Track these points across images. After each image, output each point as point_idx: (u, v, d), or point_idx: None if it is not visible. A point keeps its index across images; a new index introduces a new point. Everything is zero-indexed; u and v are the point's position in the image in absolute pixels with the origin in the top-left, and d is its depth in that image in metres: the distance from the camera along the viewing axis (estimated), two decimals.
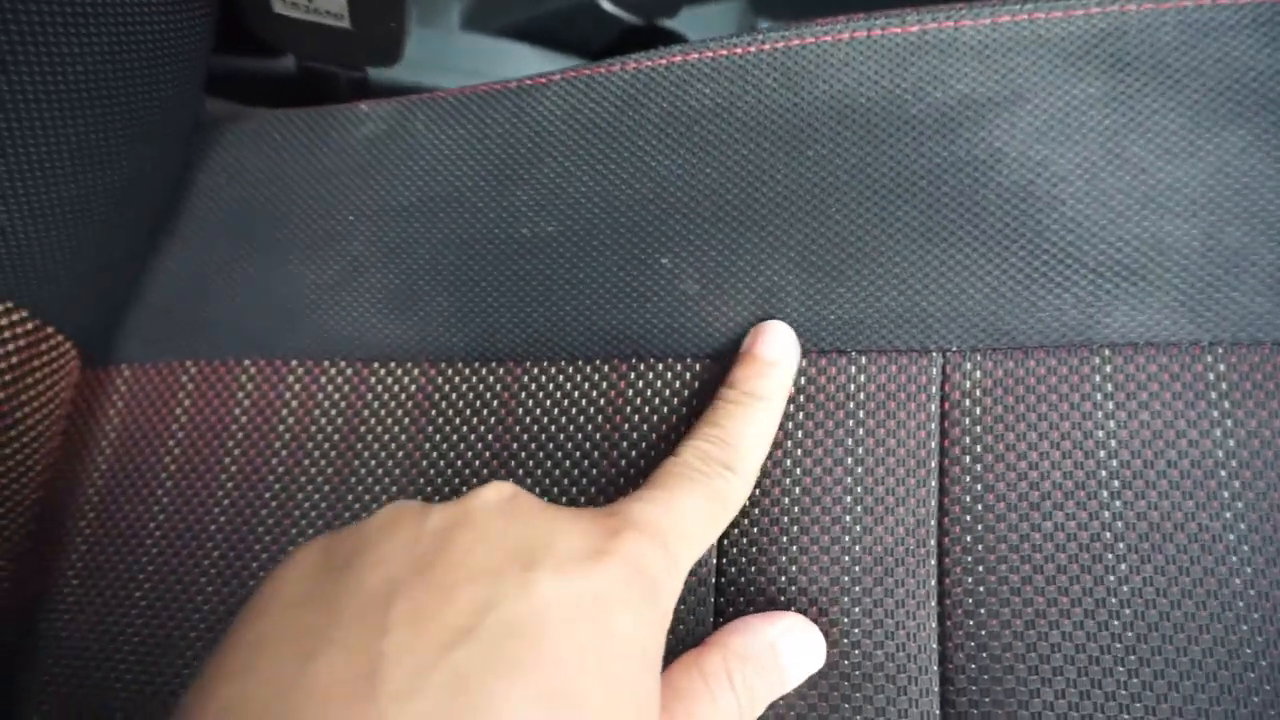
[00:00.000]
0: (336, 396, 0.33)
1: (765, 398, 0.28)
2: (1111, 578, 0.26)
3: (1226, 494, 0.26)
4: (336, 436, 0.33)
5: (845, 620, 0.27)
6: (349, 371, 0.33)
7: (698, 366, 0.31)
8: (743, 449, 0.27)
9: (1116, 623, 0.26)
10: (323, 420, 0.33)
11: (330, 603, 0.19)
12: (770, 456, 0.29)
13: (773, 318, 0.30)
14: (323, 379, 0.33)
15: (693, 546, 0.24)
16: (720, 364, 0.30)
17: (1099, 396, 0.28)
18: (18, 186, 0.28)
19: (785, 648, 0.26)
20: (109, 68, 0.29)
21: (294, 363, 0.34)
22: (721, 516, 0.26)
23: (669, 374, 0.31)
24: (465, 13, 0.48)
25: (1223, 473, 0.27)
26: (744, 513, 0.29)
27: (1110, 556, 0.26)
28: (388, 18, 0.32)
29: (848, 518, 0.28)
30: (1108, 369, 0.28)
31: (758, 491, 0.29)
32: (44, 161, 0.29)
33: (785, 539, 0.28)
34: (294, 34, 0.34)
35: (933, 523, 0.28)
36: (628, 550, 0.21)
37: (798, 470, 0.29)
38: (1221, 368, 0.28)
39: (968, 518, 0.28)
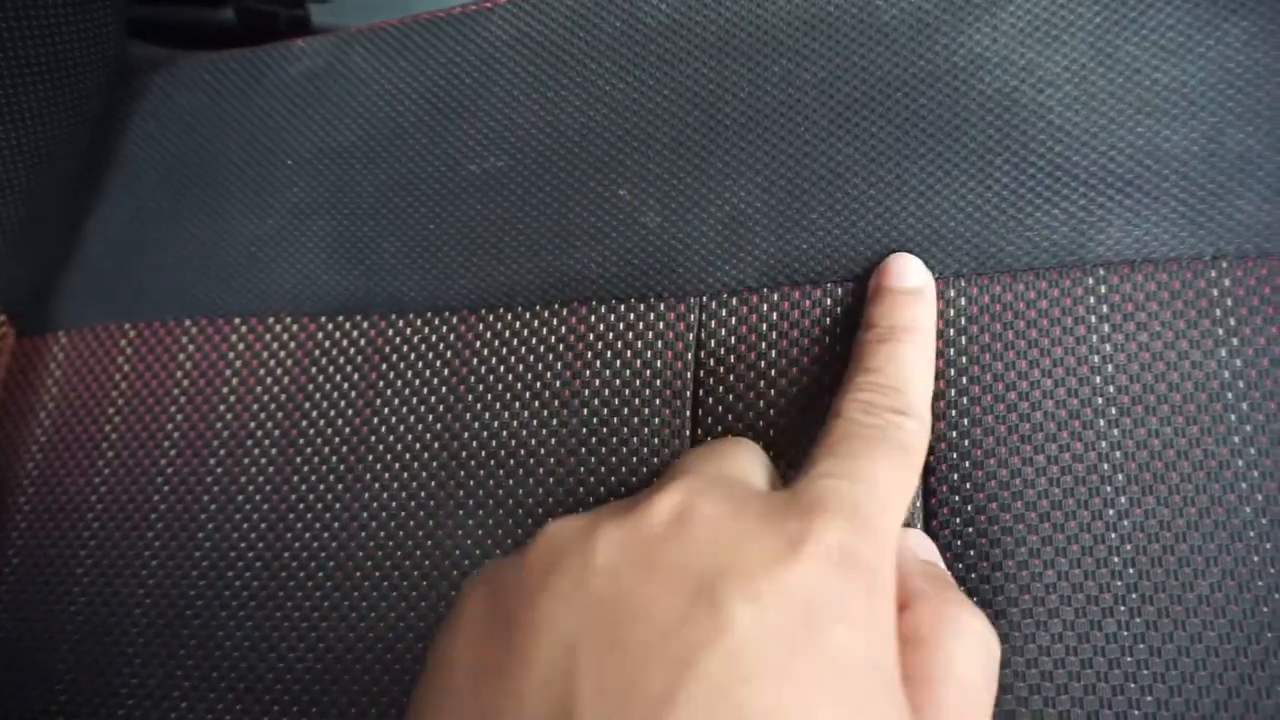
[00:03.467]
0: (282, 354, 0.31)
1: (916, 329, 0.25)
2: (1110, 511, 0.24)
3: (1234, 417, 0.24)
4: (284, 396, 0.31)
5: None
6: (295, 328, 0.31)
7: (661, 306, 0.28)
8: (909, 389, 0.24)
9: (1116, 559, 0.24)
10: (269, 380, 0.31)
11: (506, 678, 0.17)
12: (742, 398, 0.27)
13: (739, 248, 0.28)
14: (267, 336, 0.31)
15: (894, 515, 0.21)
16: (685, 304, 0.28)
17: (1093, 319, 0.26)
18: None
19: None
20: (9, 22, 0.26)
21: (237, 321, 0.32)
22: (912, 471, 0.22)
23: (631, 315, 0.29)
24: None
25: (1229, 395, 0.25)
26: None
27: (1108, 489, 0.24)
28: None
29: None
30: (1102, 289, 0.26)
31: (729, 435, 0.27)
32: None
33: None
34: None
35: None
36: (825, 542, 0.18)
37: (771, 412, 0.27)
38: (1226, 282, 0.25)
39: (954, 454, 0.26)
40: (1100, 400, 0.25)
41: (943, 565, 0.24)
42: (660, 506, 0.19)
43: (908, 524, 0.25)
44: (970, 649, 0.20)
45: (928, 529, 0.25)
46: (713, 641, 0.16)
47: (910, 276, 0.26)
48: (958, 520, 0.25)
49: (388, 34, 0.31)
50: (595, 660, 0.16)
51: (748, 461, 0.23)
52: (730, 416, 0.27)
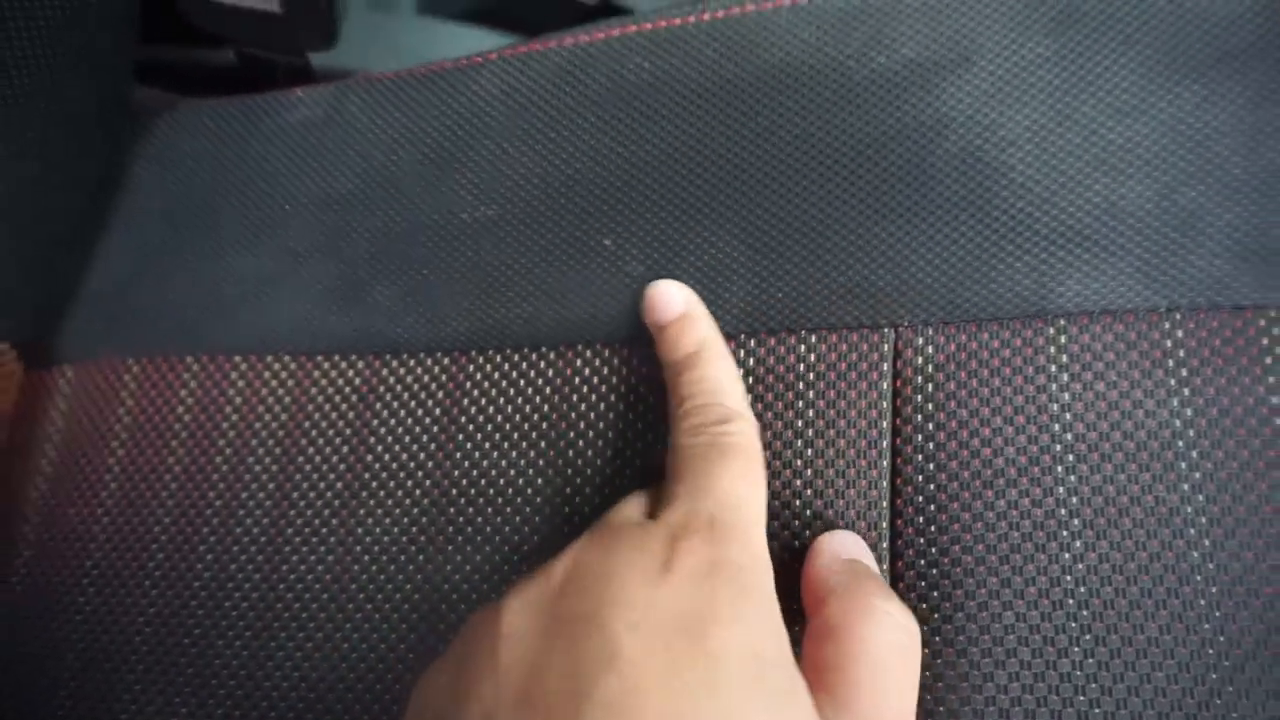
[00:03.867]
0: (281, 392, 0.32)
1: (705, 344, 0.27)
2: (1066, 555, 0.25)
3: (1184, 464, 0.26)
4: (281, 433, 0.32)
5: (795, 606, 0.27)
6: (292, 366, 0.32)
7: (645, 352, 0.30)
8: (723, 398, 0.26)
9: (1071, 601, 0.25)
10: (267, 417, 0.32)
11: None
12: None
13: (718, 296, 0.29)
14: (266, 374, 0.33)
15: (750, 512, 0.23)
16: None
17: (1053, 369, 0.27)
18: None
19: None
20: (22, 59, 0.28)
21: (236, 358, 0.33)
22: (754, 468, 0.24)
23: (616, 360, 0.30)
24: None
25: (1180, 443, 0.26)
26: None
27: (1064, 534, 0.26)
28: (317, 1, 0.31)
29: (797, 502, 0.27)
30: (1062, 339, 0.27)
31: None
32: None
33: None
34: (226, 20, 0.33)
35: (885, 504, 0.27)
36: (688, 558, 0.20)
37: None
38: (1179, 334, 0.27)
39: (920, 498, 0.27)
40: (1058, 447, 0.26)
41: (870, 560, 0.26)
42: (556, 569, 0.21)
43: (877, 556, 0.27)
44: (883, 632, 0.21)
45: (893, 569, 0.27)
46: (605, 668, 0.18)
47: (671, 306, 0.28)
48: (922, 562, 0.26)
49: (383, 85, 0.32)
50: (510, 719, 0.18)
51: (624, 504, 0.25)
52: None
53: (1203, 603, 0.24)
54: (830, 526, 0.27)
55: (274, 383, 0.33)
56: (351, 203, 0.32)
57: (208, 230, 0.33)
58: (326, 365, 0.32)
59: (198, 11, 0.32)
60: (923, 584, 0.26)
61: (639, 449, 0.29)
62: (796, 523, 0.27)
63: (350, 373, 0.32)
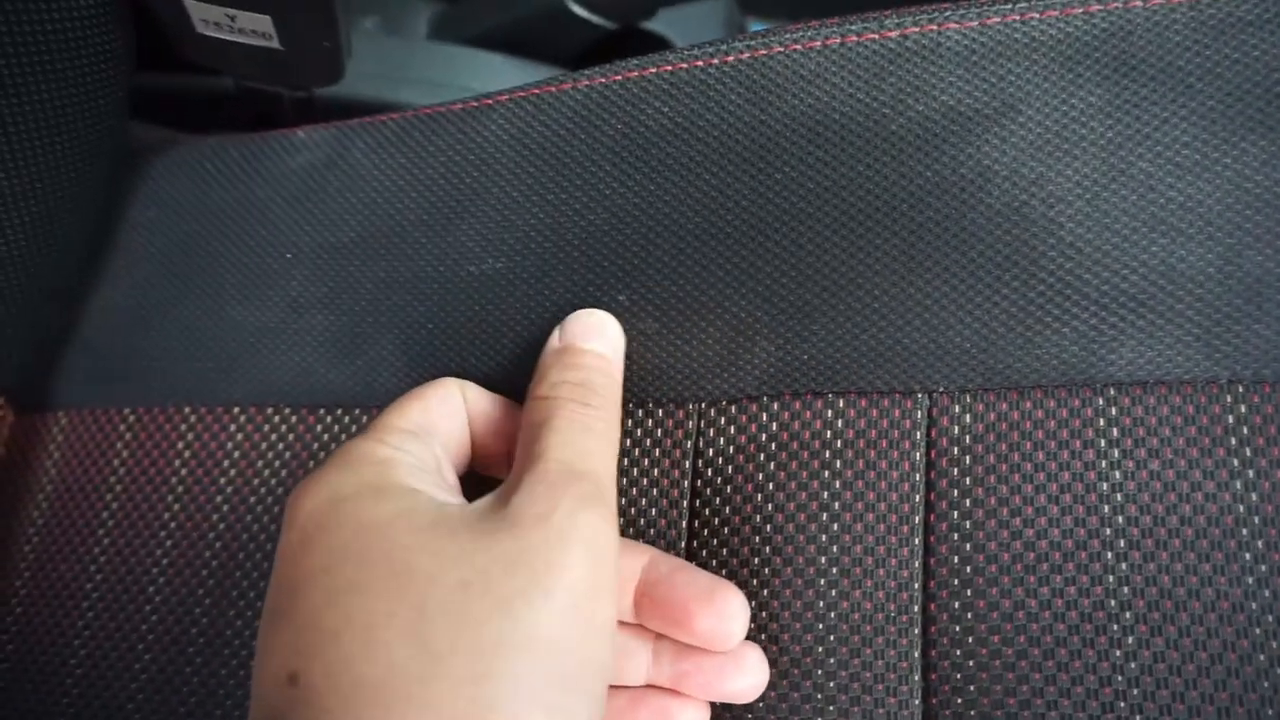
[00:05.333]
0: (280, 446, 0.31)
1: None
2: (1117, 653, 0.23)
3: (1249, 556, 0.23)
4: (280, 489, 0.31)
5: (819, 696, 0.25)
6: (293, 419, 0.31)
7: (660, 413, 0.28)
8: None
9: (1123, 704, 0.23)
10: (266, 472, 0.31)
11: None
12: (738, 511, 0.27)
13: (739, 357, 0.27)
14: (265, 427, 0.31)
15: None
16: (684, 410, 0.28)
17: (1103, 443, 0.25)
18: None
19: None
20: (10, 102, 0.26)
21: (236, 410, 0.31)
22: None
23: (629, 421, 0.28)
24: (433, 21, 0.46)
25: (1244, 531, 0.24)
26: (711, 571, 0.26)
27: (1115, 628, 0.23)
28: (320, 38, 0.30)
29: (822, 581, 0.25)
30: (1113, 411, 0.25)
31: (726, 551, 0.26)
32: None
33: (754, 602, 0.26)
34: (223, 56, 0.31)
35: (917, 586, 0.25)
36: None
37: (768, 527, 0.26)
38: (1242, 409, 0.25)
39: (955, 581, 0.25)
40: (1109, 531, 0.24)
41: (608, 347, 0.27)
42: None
43: (908, 643, 0.25)
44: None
45: (925, 657, 0.25)
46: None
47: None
48: (958, 652, 0.24)
49: (388, 128, 0.31)
50: None
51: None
52: (726, 529, 0.27)
53: (1270, 712, 0.22)
54: (857, 609, 0.25)
55: (273, 435, 0.31)
56: (354, 251, 0.31)
57: (207, 278, 0.32)
58: (328, 419, 0.31)
59: (192, 47, 0.31)
60: (958, 676, 0.24)
61: (651, 517, 0.27)
62: (821, 604, 0.25)
63: (353, 427, 0.30)
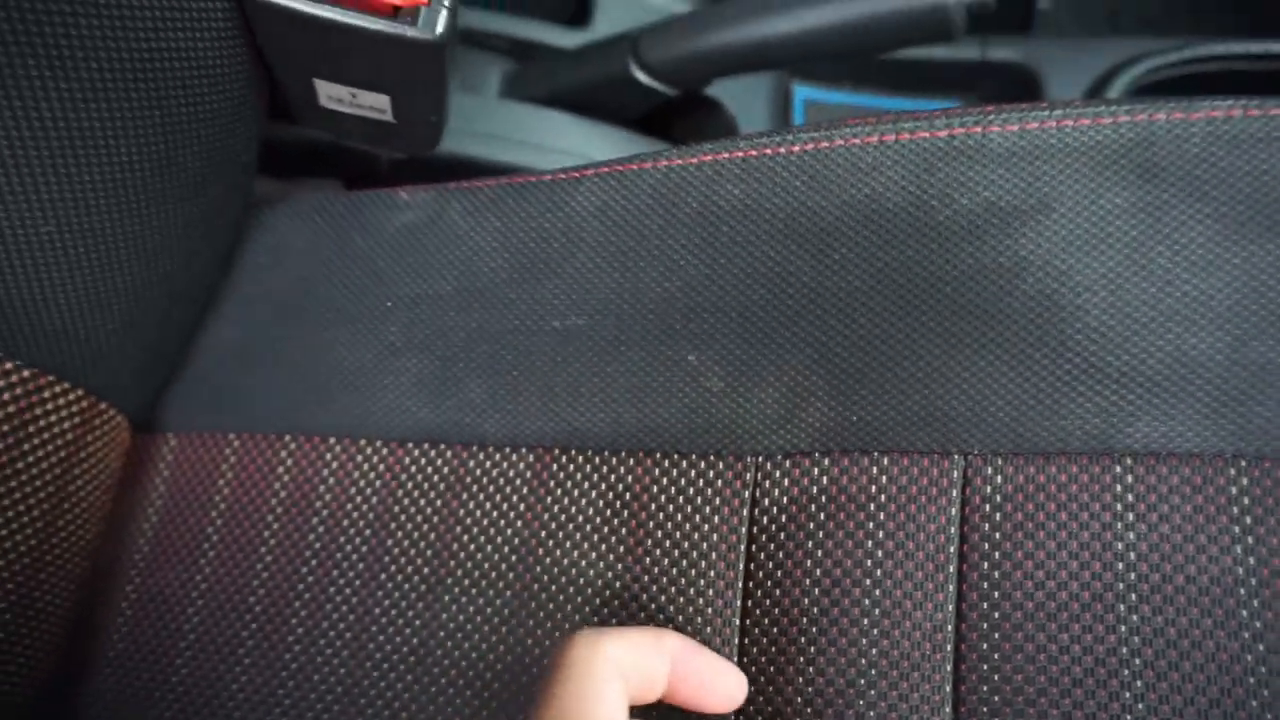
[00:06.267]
0: (372, 475, 0.34)
1: None
2: (1126, 694, 0.26)
3: (1245, 613, 0.27)
4: (371, 515, 0.34)
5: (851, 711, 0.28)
6: (384, 451, 0.34)
7: (720, 464, 0.31)
8: None
9: None
10: (358, 499, 0.34)
11: None
12: (790, 555, 0.30)
13: (795, 416, 0.31)
14: (359, 458, 0.34)
15: None
16: (742, 463, 0.31)
17: (1119, 506, 0.28)
18: (79, 279, 0.30)
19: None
20: (165, 169, 0.30)
21: (332, 440, 0.35)
22: None
23: (693, 471, 0.31)
24: (504, 81, 0.50)
25: (1241, 591, 0.27)
26: (765, 612, 0.30)
27: (1125, 672, 0.27)
28: (429, 113, 0.33)
29: (866, 620, 0.29)
30: (1129, 478, 0.28)
31: (779, 593, 0.30)
32: (104, 256, 0.30)
33: (804, 639, 0.29)
34: (338, 125, 0.35)
35: (950, 628, 0.28)
36: None
37: (818, 571, 0.29)
38: (1244, 481, 0.28)
39: (985, 624, 0.28)
40: (1121, 586, 0.27)
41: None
42: None
43: (940, 679, 0.28)
44: None
45: (955, 693, 0.28)
46: None
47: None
48: (984, 688, 0.27)
49: (483, 193, 0.34)
50: None
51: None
52: (780, 572, 0.30)
53: None
54: (896, 646, 0.28)
55: (365, 466, 0.34)
56: (449, 303, 0.34)
57: (312, 320, 0.35)
58: (416, 453, 0.34)
59: (311, 117, 0.34)
60: (984, 709, 0.27)
61: (711, 560, 0.30)
62: (864, 640, 0.28)
63: (439, 461, 0.34)
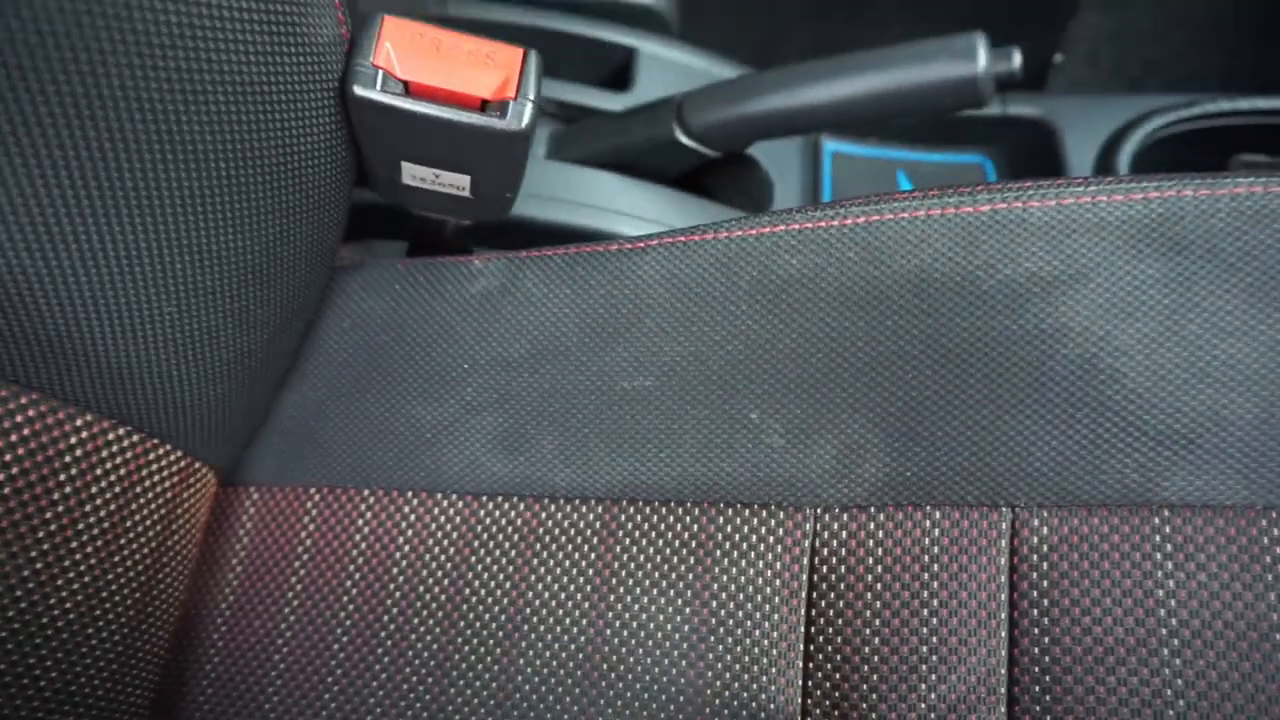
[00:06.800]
0: (449, 528, 0.36)
1: None
2: None
3: None
4: (449, 565, 0.36)
5: None
6: (460, 505, 0.36)
7: (781, 515, 0.33)
8: None
9: None
10: (436, 550, 0.36)
11: None
12: (850, 605, 0.32)
13: (852, 471, 0.33)
14: (435, 510, 0.37)
15: None
16: (802, 514, 0.33)
17: (1159, 556, 0.30)
18: (190, 354, 0.32)
19: None
20: (273, 252, 0.32)
21: (409, 494, 0.37)
22: None
23: (755, 520, 0.33)
24: (551, 141, 0.52)
25: (1277, 635, 0.29)
26: (827, 657, 0.32)
27: (1170, 713, 0.29)
28: (506, 190, 0.36)
29: (924, 666, 0.31)
30: (1167, 529, 0.30)
31: (840, 639, 0.32)
32: (214, 333, 0.32)
33: (865, 686, 0.31)
34: (418, 200, 0.37)
35: (1003, 672, 0.30)
36: None
37: (877, 621, 0.31)
38: (1275, 532, 0.30)
39: (1036, 669, 0.30)
40: (1164, 631, 0.29)
41: None
42: None
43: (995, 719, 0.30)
44: None
45: None
46: None
47: None
48: None
49: (554, 261, 0.37)
50: None
51: None
52: (840, 620, 0.32)
53: None
54: (953, 691, 0.30)
55: (442, 518, 0.37)
56: (522, 365, 0.36)
57: (392, 380, 0.38)
58: (491, 505, 0.36)
59: (394, 192, 0.37)
60: None
61: (775, 605, 0.32)
62: (923, 686, 0.30)
63: (512, 514, 0.36)
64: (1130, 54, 0.74)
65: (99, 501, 0.31)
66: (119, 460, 0.32)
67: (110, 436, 0.31)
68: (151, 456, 0.33)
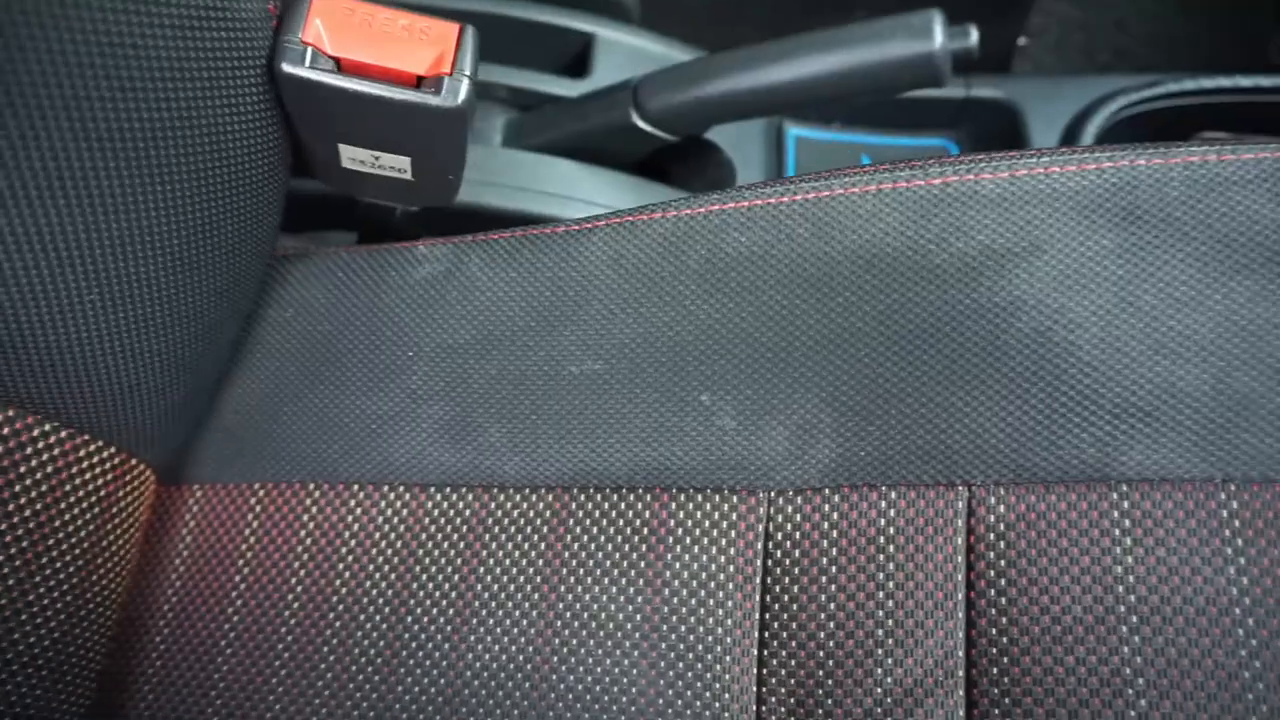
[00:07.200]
0: (395, 520, 0.35)
1: None
2: (1131, 713, 0.28)
3: (1241, 631, 0.28)
4: (395, 559, 0.35)
5: None
6: (406, 496, 0.35)
7: (734, 499, 0.32)
8: None
9: None
10: (383, 543, 0.35)
11: None
12: (805, 590, 0.31)
13: (805, 452, 0.32)
14: (382, 503, 0.36)
15: None
16: (755, 497, 0.32)
17: (1117, 532, 0.30)
18: (119, 345, 0.31)
19: None
20: (202, 238, 0.31)
21: (355, 488, 0.36)
22: None
23: (708, 505, 0.33)
24: (506, 129, 0.51)
25: (1236, 610, 0.28)
26: (782, 644, 0.31)
27: (1130, 691, 0.28)
28: (448, 171, 0.35)
29: (880, 650, 0.30)
30: (1125, 505, 0.30)
31: (795, 625, 0.31)
32: (143, 323, 0.31)
33: (821, 672, 0.30)
34: (359, 184, 0.36)
35: (961, 654, 0.30)
36: None
37: (832, 605, 0.31)
38: (1234, 505, 0.29)
39: (994, 650, 0.29)
40: (1122, 608, 0.29)
41: None
42: None
43: (953, 704, 0.29)
44: None
45: (968, 717, 0.29)
46: None
47: None
48: (996, 711, 0.29)
49: (500, 245, 0.36)
50: None
51: None
52: (795, 605, 0.31)
53: None
54: (910, 674, 0.30)
55: (389, 511, 0.36)
56: (469, 351, 0.35)
57: (335, 371, 0.37)
58: (439, 496, 0.35)
59: (334, 178, 0.36)
60: None
61: (729, 590, 0.32)
62: (879, 670, 0.30)
63: (460, 504, 0.35)
64: (1099, 42, 0.74)
65: (23, 501, 0.30)
66: (45, 458, 0.31)
67: (35, 433, 0.30)
68: (82, 454, 0.32)
